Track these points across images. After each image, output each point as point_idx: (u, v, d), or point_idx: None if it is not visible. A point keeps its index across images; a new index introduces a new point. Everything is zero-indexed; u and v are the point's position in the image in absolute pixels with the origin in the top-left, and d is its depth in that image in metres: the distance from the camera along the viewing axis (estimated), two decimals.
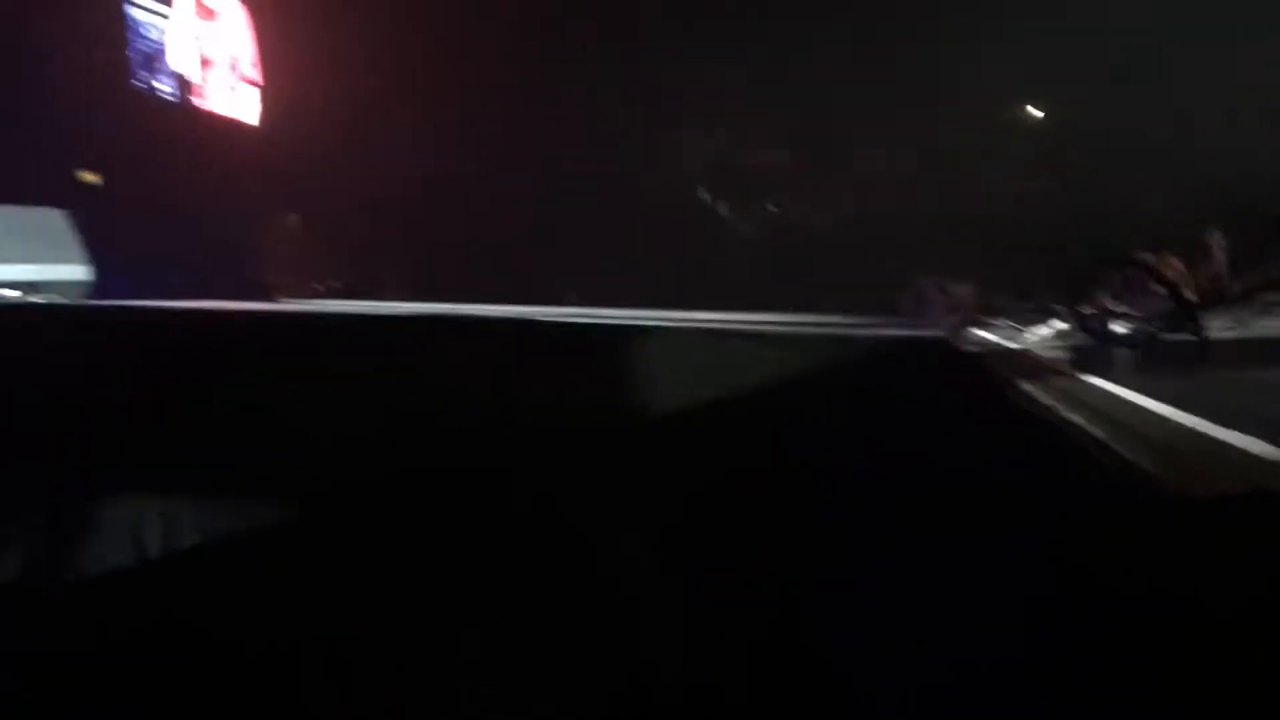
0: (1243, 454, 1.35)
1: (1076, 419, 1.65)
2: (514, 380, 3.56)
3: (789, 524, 2.51)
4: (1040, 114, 9.39)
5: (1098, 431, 1.53)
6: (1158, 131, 8.17)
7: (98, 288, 5.37)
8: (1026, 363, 2.67)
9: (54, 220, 5.23)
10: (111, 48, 8.00)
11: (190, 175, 7.39)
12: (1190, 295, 3.15)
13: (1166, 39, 7.84)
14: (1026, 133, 9.32)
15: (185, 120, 8.52)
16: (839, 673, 2.17)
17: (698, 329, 3.73)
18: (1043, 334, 3.30)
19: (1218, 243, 4.71)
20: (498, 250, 9.04)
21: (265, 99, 9.72)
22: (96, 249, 5.41)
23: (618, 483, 2.84)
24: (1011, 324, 3.56)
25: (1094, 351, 2.94)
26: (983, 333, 3.65)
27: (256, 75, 9.68)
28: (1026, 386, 2.13)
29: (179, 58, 8.87)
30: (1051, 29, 8.28)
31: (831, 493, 2.56)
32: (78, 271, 5.27)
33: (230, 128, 9.29)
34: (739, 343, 3.55)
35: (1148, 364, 2.72)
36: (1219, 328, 3.06)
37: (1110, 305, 3.12)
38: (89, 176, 7.38)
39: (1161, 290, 3.06)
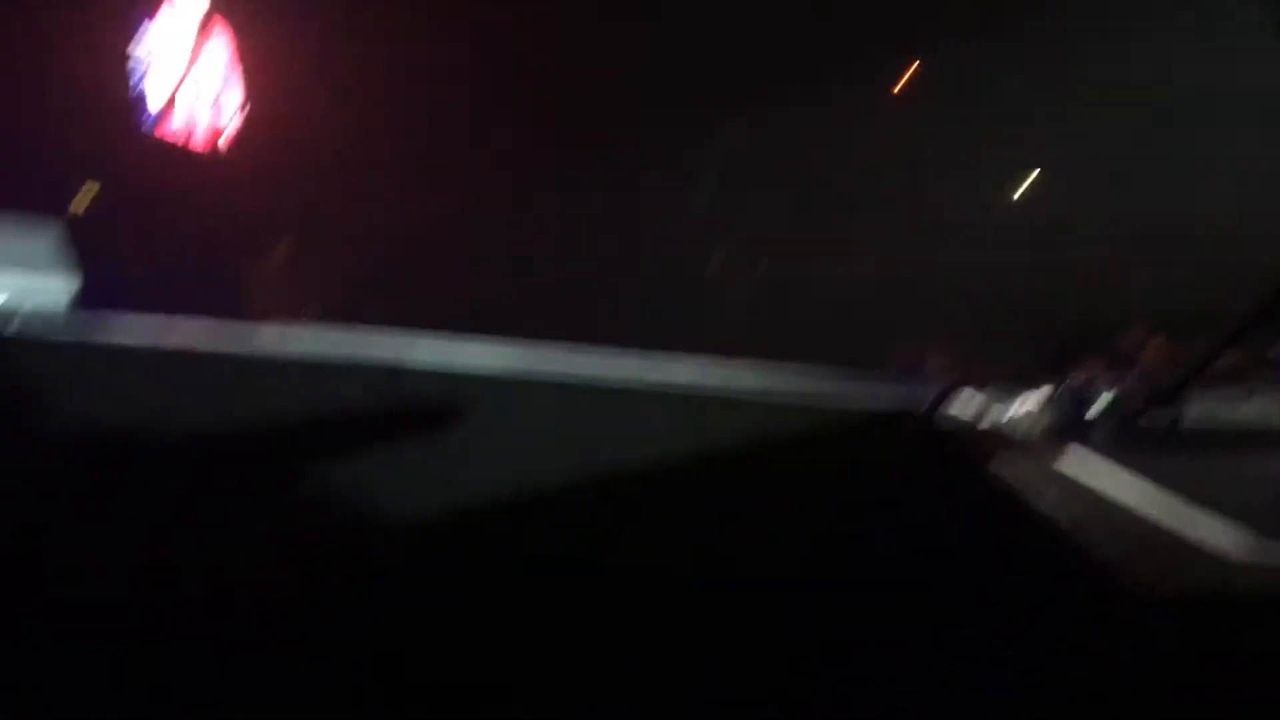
0: (1205, 547, 1.26)
1: (1041, 504, 1.55)
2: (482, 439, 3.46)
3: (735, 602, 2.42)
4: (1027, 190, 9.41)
5: (1061, 518, 1.44)
6: (1157, 210, 8.17)
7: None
8: (997, 440, 2.57)
9: (40, 230, 5.19)
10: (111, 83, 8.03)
11: (178, 202, 7.37)
12: (1166, 379, 3.07)
13: (1166, 118, 7.86)
14: (1025, 205, 9.34)
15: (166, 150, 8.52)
16: None
17: (664, 392, 3.61)
18: (1020, 409, 3.20)
19: (1157, 345, 4.71)
20: (483, 283, 9.00)
21: (253, 123, 9.73)
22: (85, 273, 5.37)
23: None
24: (989, 396, 3.45)
25: (1068, 429, 2.84)
26: (962, 403, 3.53)
27: (240, 100, 9.71)
28: (994, 466, 2.03)
29: (162, 89, 8.89)
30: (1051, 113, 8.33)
31: (783, 571, 2.46)
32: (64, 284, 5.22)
33: (217, 154, 9.28)
34: (710, 405, 3.45)
35: (1121, 445, 2.62)
36: (1198, 413, 2.97)
37: (1089, 384, 3.03)
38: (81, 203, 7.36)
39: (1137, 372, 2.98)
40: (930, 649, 2.11)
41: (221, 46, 9.74)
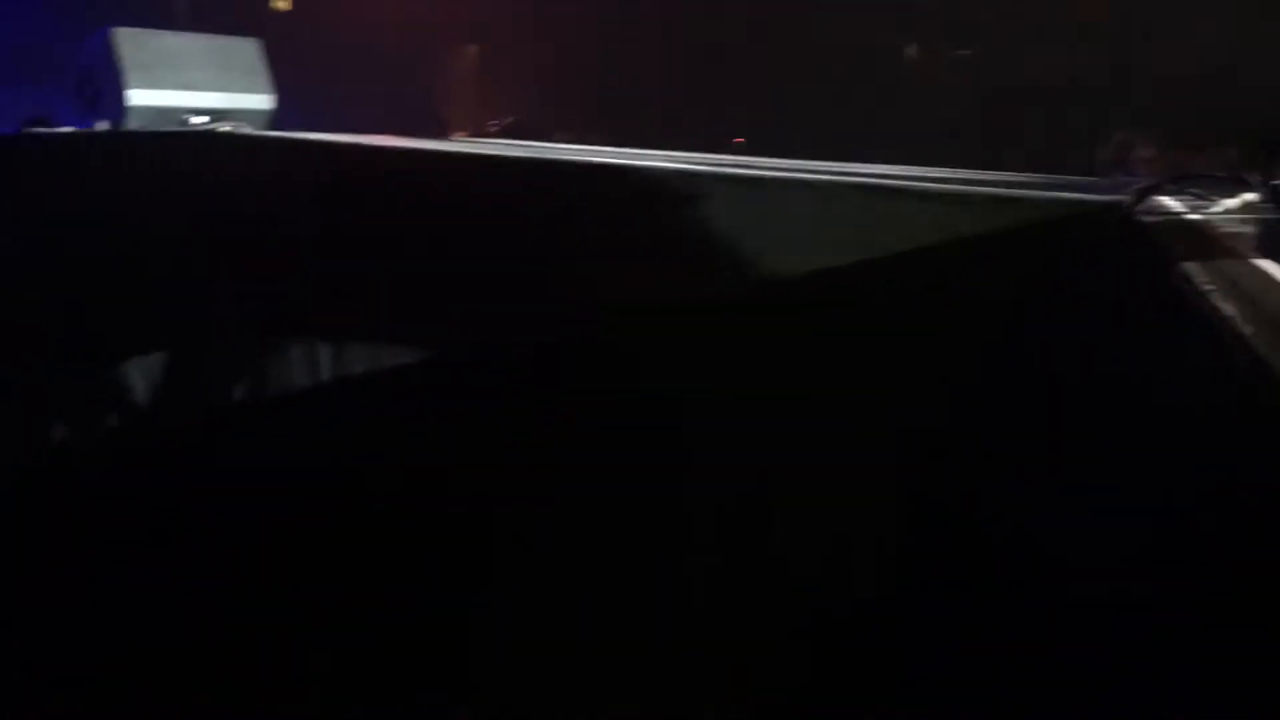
0: None
1: (1231, 309, 1.55)
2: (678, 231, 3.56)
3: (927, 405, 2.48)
4: None
5: (1247, 327, 1.44)
6: None
7: (281, 118, 5.57)
8: (1204, 238, 2.51)
9: (243, 50, 5.41)
10: None
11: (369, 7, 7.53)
12: None
13: None
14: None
15: None
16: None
17: (848, 184, 3.61)
18: (1231, 204, 3.08)
19: None
20: (667, 89, 8.93)
21: None
22: (282, 79, 5.59)
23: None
24: (1198, 189, 3.33)
25: (1272, 225, 2.73)
26: (1168, 199, 3.43)
27: None
28: (1194, 267, 2.01)
29: None
30: None
31: (977, 372, 2.50)
32: (264, 100, 5.46)
33: None
34: (898, 199, 3.45)
35: None
36: None
37: None
38: (280, 4, 7.60)
39: None
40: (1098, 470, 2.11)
41: None
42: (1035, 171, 5.12)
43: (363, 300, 4.00)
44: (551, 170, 4.14)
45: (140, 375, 4.31)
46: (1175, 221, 2.83)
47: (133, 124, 4.98)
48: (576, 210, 3.67)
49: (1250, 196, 3.08)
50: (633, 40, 9.41)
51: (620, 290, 3.44)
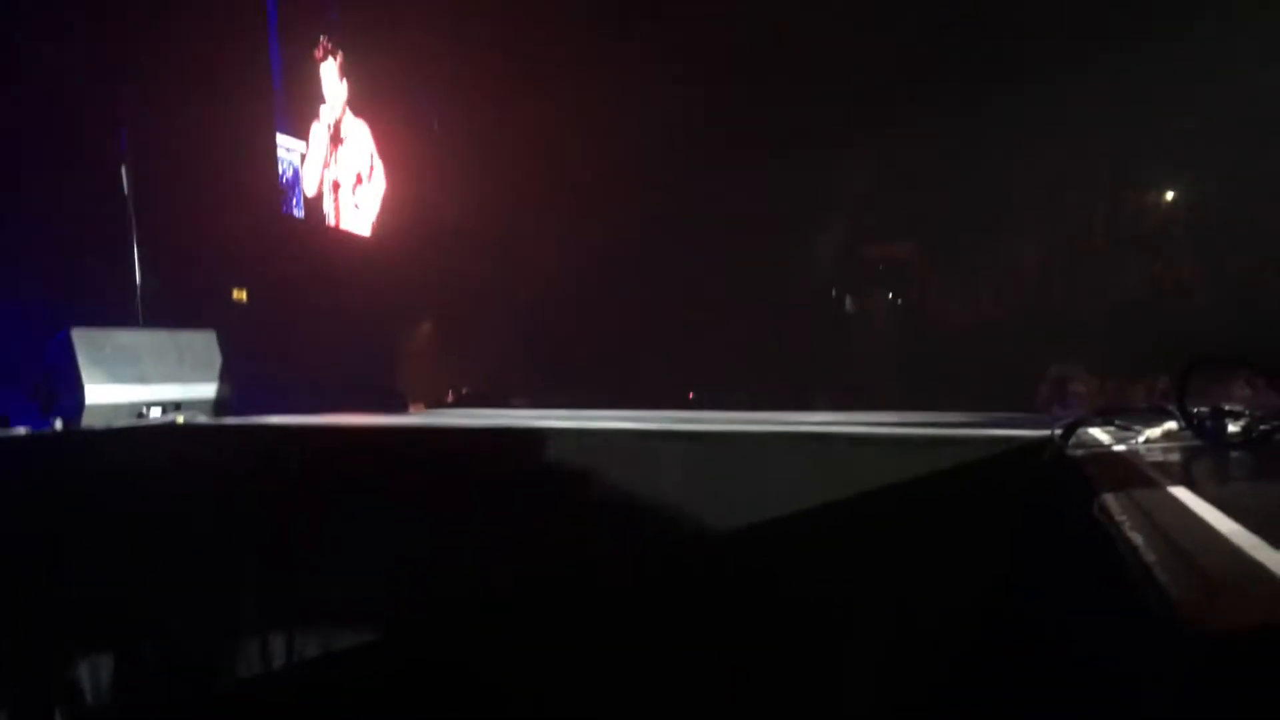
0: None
1: (1139, 540, 1.60)
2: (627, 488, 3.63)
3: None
4: (1171, 196, 9.15)
5: (1150, 555, 1.49)
6: None
7: (239, 404, 5.68)
8: (1127, 469, 2.60)
9: (199, 342, 5.58)
10: (261, 178, 8.58)
11: (325, 291, 7.82)
12: None
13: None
14: (1159, 218, 9.08)
15: (319, 239, 9.03)
16: None
17: (799, 433, 3.74)
18: (1155, 434, 3.20)
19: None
20: (620, 351, 9.20)
21: (392, 208, 10.22)
22: (238, 366, 5.73)
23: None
24: (1125, 422, 3.46)
25: (1204, 454, 2.83)
26: (1097, 432, 3.55)
27: (382, 186, 10.22)
28: (1114, 499, 2.08)
29: (312, 183, 9.42)
30: (1183, 104, 8.10)
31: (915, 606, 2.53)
32: (220, 389, 5.58)
33: (360, 241, 9.76)
34: (837, 446, 3.56)
35: (1254, 468, 2.61)
36: None
37: (1225, 404, 3.01)
38: (238, 294, 7.88)
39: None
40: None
41: (363, 138, 10.36)
42: (975, 410, 5.29)
43: (327, 575, 4.02)
44: (504, 436, 4.23)
45: (110, 660, 4.28)
46: (1102, 453, 2.93)
47: (90, 421, 5.07)
48: (534, 471, 3.76)
49: (1171, 425, 3.20)
50: (587, 304, 9.77)
51: (578, 546, 3.50)
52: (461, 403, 8.74)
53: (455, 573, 3.75)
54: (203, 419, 5.32)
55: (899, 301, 10.02)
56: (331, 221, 9.71)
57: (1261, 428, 2.88)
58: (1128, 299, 8.37)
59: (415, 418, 6.31)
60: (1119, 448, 3.04)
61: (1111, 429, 3.47)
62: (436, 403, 8.59)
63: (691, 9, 9.40)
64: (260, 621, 4.21)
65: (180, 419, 5.25)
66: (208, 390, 5.55)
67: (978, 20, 8.65)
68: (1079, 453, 3.01)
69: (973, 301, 9.55)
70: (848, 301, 10.19)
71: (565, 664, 3.29)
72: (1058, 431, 3.38)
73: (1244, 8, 7.61)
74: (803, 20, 9.25)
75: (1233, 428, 2.93)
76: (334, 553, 4.02)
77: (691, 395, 8.62)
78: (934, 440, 3.47)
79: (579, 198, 9.77)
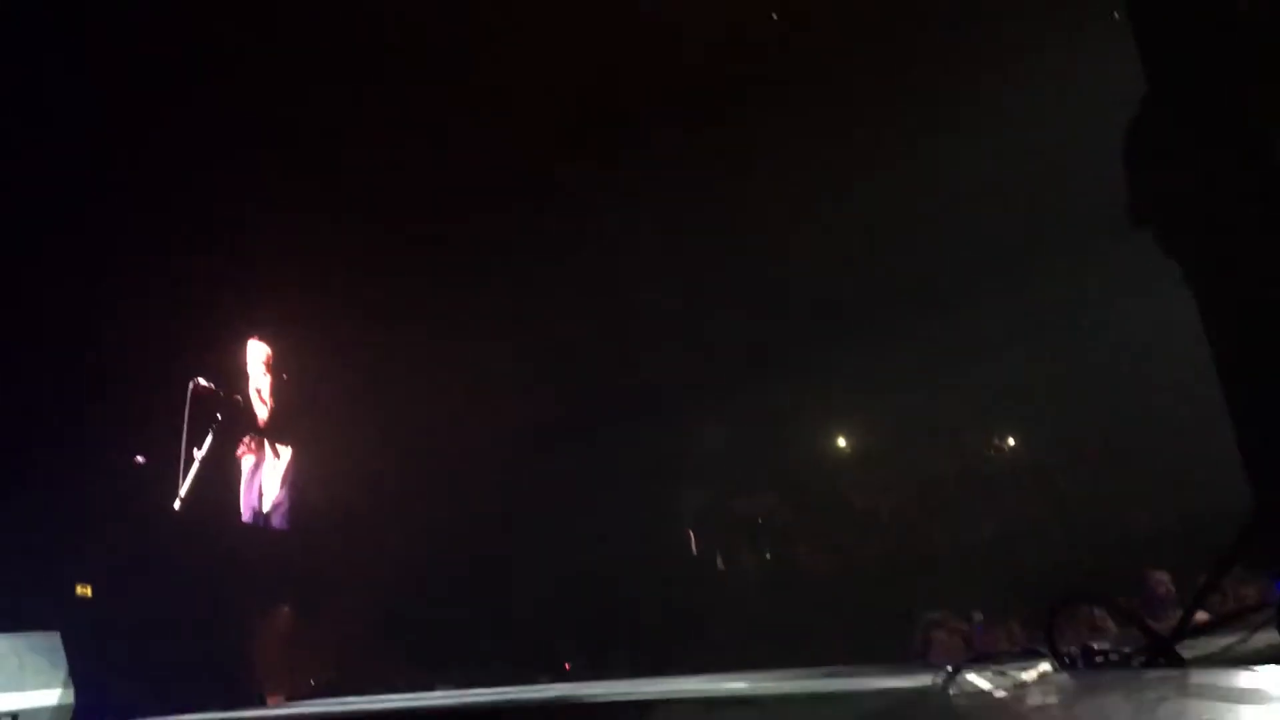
0: None
1: None
2: None
3: None
4: (1016, 443, 9.68)
5: None
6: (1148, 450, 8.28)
7: (82, 710, 5.30)
8: (1008, 713, 2.64)
9: (40, 644, 5.24)
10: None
11: (174, 584, 7.49)
12: (1163, 624, 3.16)
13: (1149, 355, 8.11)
14: (1012, 462, 9.56)
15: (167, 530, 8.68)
16: None
17: (689, 699, 3.68)
18: (1029, 676, 3.27)
19: (1159, 580, 4.87)
20: (487, 625, 8.98)
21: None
22: (85, 667, 5.39)
23: None
24: (1000, 665, 3.53)
25: (1076, 692, 2.90)
26: (974, 676, 3.60)
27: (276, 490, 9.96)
28: None
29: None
30: (1030, 352, 8.67)
31: None
32: (62, 695, 5.21)
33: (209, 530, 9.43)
34: (729, 709, 3.52)
35: (1127, 703, 2.69)
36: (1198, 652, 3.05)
37: (1090, 642, 3.12)
38: (82, 590, 7.46)
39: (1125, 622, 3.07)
40: None
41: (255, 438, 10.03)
42: (850, 661, 5.31)
43: None
44: None
45: None
46: (983, 701, 2.97)
47: None
48: None
49: (1045, 666, 3.28)
50: (452, 579, 9.55)
51: None
52: (324, 691, 8.29)
53: None
54: None
55: (767, 555, 10.13)
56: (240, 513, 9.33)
57: (1130, 663, 2.98)
58: (982, 540, 8.67)
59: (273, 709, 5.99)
60: (999, 694, 3.09)
61: (988, 674, 3.53)
62: (292, 694, 8.14)
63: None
64: None
65: None
66: (49, 698, 5.16)
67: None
68: (962, 702, 3.05)
69: (836, 549, 9.73)
70: (718, 558, 10.24)
71: None
72: (938, 680, 3.42)
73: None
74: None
75: (1099, 661, 3.03)
76: None
77: (568, 666, 8.40)
78: (819, 697, 3.47)
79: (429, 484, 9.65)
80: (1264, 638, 3.13)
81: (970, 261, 8.66)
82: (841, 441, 10.22)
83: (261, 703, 7.12)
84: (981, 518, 8.90)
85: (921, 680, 3.55)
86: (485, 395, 9.48)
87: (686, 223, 9.34)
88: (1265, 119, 3.02)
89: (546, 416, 9.65)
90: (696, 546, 10.29)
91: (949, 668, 3.55)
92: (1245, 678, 2.64)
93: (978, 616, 6.75)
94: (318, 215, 8.95)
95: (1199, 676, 2.84)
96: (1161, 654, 2.85)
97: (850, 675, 4.19)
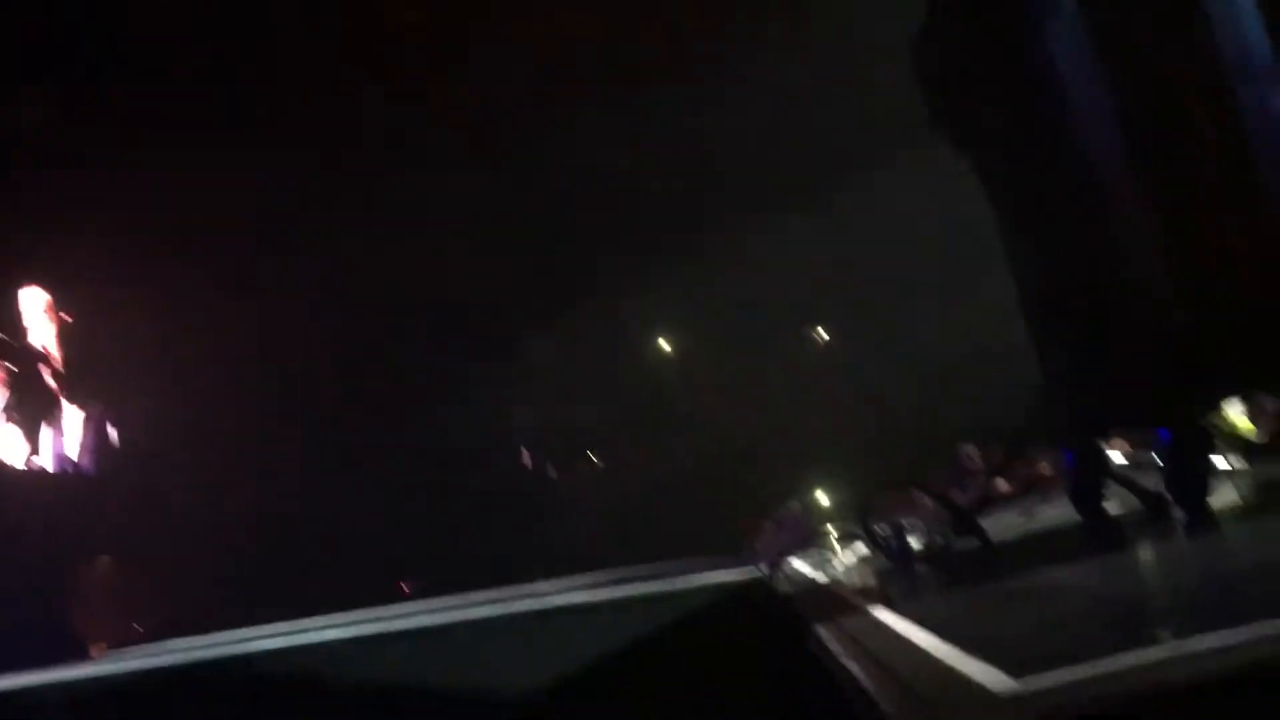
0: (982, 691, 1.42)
1: (856, 668, 1.70)
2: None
3: None
4: (826, 336, 10.01)
5: (865, 679, 1.59)
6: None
7: None
8: (831, 598, 2.76)
9: None
10: None
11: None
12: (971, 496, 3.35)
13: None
14: (824, 355, 9.91)
15: None
16: None
17: (523, 613, 3.71)
18: (850, 560, 3.43)
19: (968, 455, 5.21)
20: (321, 553, 8.83)
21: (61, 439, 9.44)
22: None
23: None
24: (821, 553, 3.69)
25: (895, 573, 3.05)
26: (799, 563, 3.75)
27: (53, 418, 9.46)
28: (823, 627, 2.20)
29: None
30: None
31: None
32: None
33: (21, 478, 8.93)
34: (564, 619, 3.56)
35: (940, 580, 2.85)
36: (1004, 527, 3.25)
37: (902, 522, 3.27)
38: None
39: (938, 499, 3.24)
40: None
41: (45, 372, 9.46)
42: (675, 557, 5.45)
43: None
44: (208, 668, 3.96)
45: None
46: (808, 587, 3.10)
47: None
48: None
49: (861, 549, 3.44)
50: (277, 515, 9.32)
51: None
52: (154, 636, 8.01)
53: None
54: None
55: (597, 461, 10.26)
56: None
57: (939, 541, 3.15)
58: (803, 433, 8.98)
59: (101, 666, 5.81)
60: (823, 579, 3.23)
61: (810, 562, 3.68)
62: (120, 642, 7.84)
63: None
64: None
65: None
66: None
67: None
68: (788, 589, 3.18)
69: (663, 452, 9.92)
70: (548, 468, 10.31)
71: None
72: (764, 570, 3.55)
73: None
74: None
75: (915, 544, 3.19)
76: None
77: (407, 589, 8.35)
78: (652, 598, 3.55)
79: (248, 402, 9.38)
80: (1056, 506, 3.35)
81: (787, 168, 8.84)
82: (665, 347, 10.37)
83: (84, 655, 6.84)
84: (802, 413, 9.22)
85: (750, 573, 3.67)
86: (300, 320, 9.20)
87: (497, 132, 9.18)
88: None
89: (372, 337, 9.45)
90: (530, 460, 10.34)
91: (772, 558, 3.69)
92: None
93: (797, 506, 7.01)
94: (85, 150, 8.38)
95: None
96: (967, 527, 3.02)
97: (680, 572, 4.29)
